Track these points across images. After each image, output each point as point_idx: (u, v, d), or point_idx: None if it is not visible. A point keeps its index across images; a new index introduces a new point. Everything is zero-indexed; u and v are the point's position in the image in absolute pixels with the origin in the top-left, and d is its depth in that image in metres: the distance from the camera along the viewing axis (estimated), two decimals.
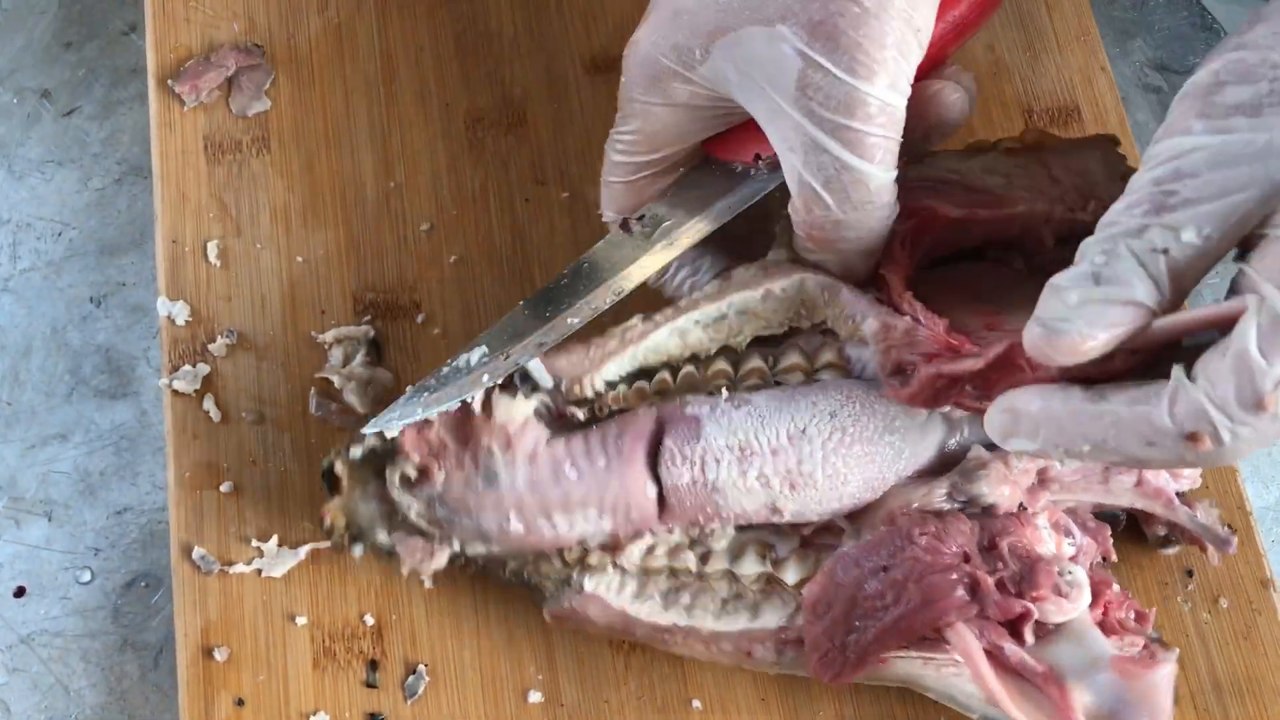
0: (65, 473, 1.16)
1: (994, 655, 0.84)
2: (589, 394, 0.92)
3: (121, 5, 1.29)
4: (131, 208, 1.23)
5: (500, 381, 0.92)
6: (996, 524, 0.88)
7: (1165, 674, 0.82)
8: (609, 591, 0.92)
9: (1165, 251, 0.70)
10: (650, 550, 0.93)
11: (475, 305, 1.06)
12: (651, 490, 0.89)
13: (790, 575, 0.91)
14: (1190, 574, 0.99)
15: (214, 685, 0.98)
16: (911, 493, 0.89)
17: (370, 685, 0.98)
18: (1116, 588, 0.91)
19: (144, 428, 1.17)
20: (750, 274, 0.93)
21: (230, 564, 1.00)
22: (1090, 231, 0.75)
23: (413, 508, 0.91)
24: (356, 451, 0.92)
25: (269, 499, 1.02)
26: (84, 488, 1.16)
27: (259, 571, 1.00)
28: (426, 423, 0.90)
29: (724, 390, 0.91)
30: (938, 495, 0.89)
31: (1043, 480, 0.90)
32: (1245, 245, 0.71)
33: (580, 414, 0.92)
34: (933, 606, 0.85)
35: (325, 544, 1.00)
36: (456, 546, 0.92)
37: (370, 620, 0.99)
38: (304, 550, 1.00)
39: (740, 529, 0.92)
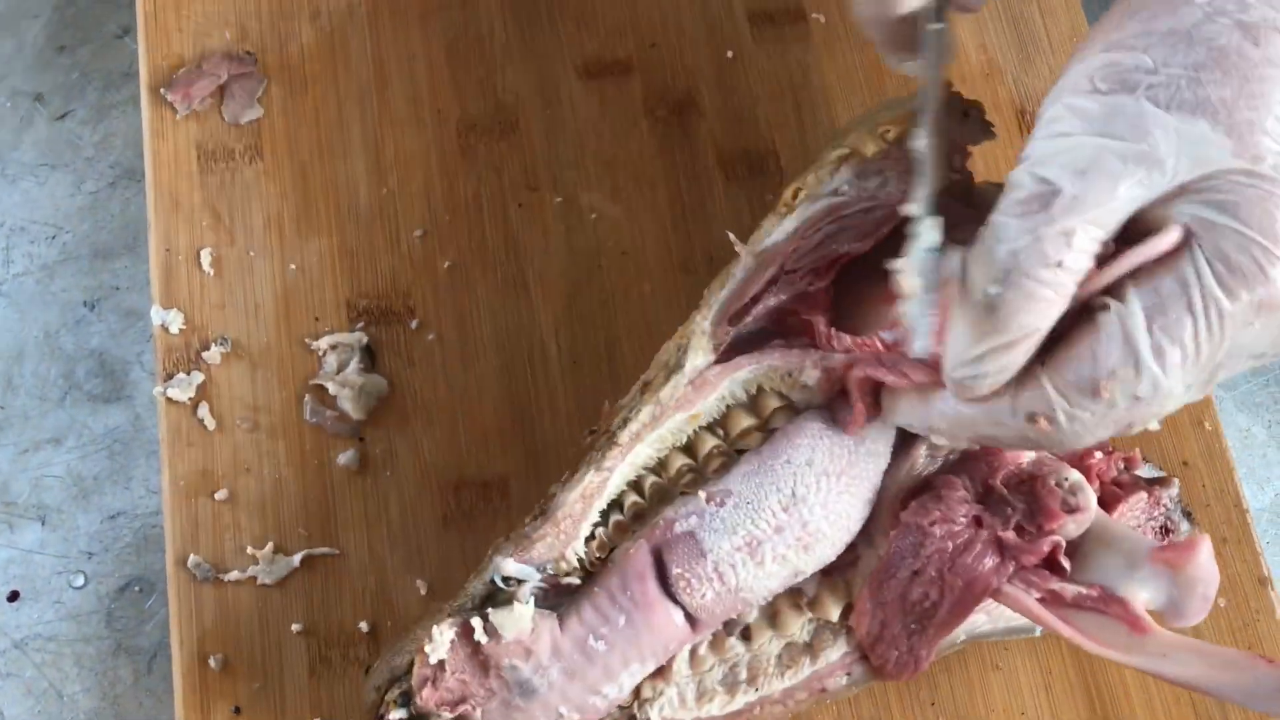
0: (58, 477, 1.16)
1: (1050, 600, 0.85)
2: (574, 563, 0.90)
3: (115, 9, 1.29)
4: (125, 212, 1.23)
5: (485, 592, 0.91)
6: (981, 465, 0.89)
7: (1202, 552, 0.82)
8: (675, 710, 0.91)
9: (1059, 264, 0.71)
10: (693, 655, 0.92)
11: (469, 311, 1.06)
12: (679, 616, 0.87)
13: (833, 612, 0.91)
14: None
15: (211, 693, 0.98)
16: (897, 475, 0.90)
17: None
18: (1098, 455, 0.92)
19: (137, 432, 1.18)
20: (678, 391, 0.90)
21: (226, 572, 1.00)
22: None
23: None
24: None
25: (264, 506, 1.02)
26: (77, 492, 1.16)
27: (255, 579, 1.00)
28: (439, 669, 0.86)
29: (699, 493, 0.89)
30: (920, 463, 0.90)
31: None
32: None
33: (576, 580, 0.90)
34: (974, 585, 0.86)
35: (320, 550, 1.01)
36: None
37: (365, 627, 0.99)
38: (299, 557, 1.00)
39: None
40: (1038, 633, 0.94)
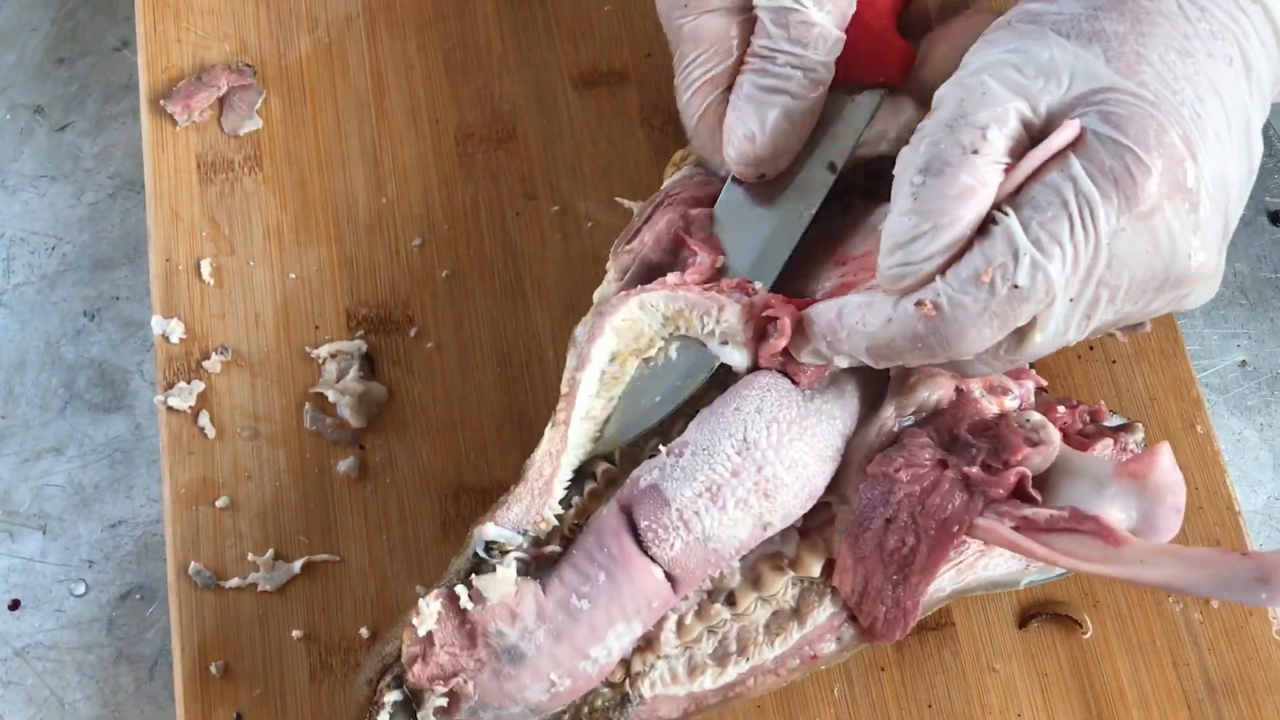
0: (59, 486, 1.17)
1: (1024, 526, 0.86)
2: (553, 521, 0.92)
3: (113, 22, 1.30)
4: (125, 222, 1.23)
5: (469, 566, 0.92)
6: (946, 418, 0.91)
7: (1164, 458, 0.85)
8: (667, 685, 0.92)
9: (975, 151, 0.79)
10: (680, 625, 0.92)
11: (467, 318, 1.06)
12: (658, 572, 0.88)
13: (814, 567, 0.93)
14: None
15: (212, 700, 0.99)
16: (867, 436, 0.91)
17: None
18: (1061, 409, 0.95)
19: (138, 440, 1.18)
20: (589, 324, 0.96)
21: (226, 579, 1.01)
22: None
23: None
24: (384, 717, 0.89)
25: (264, 514, 1.03)
26: (78, 501, 1.17)
27: (255, 586, 1.00)
28: (428, 644, 0.87)
29: (660, 448, 0.91)
30: (889, 423, 0.91)
31: None
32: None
33: (557, 547, 0.91)
34: (947, 523, 0.88)
35: (320, 557, 1.01)
36: None
37: (366, 633, 1.00)
38: (299, 564, 1.01)
39: (743, 558, 0.93)
40: (1022, 584, 0.96)
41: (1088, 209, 0.78)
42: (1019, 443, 0.87)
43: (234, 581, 1.01)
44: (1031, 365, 0.97)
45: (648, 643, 0.92)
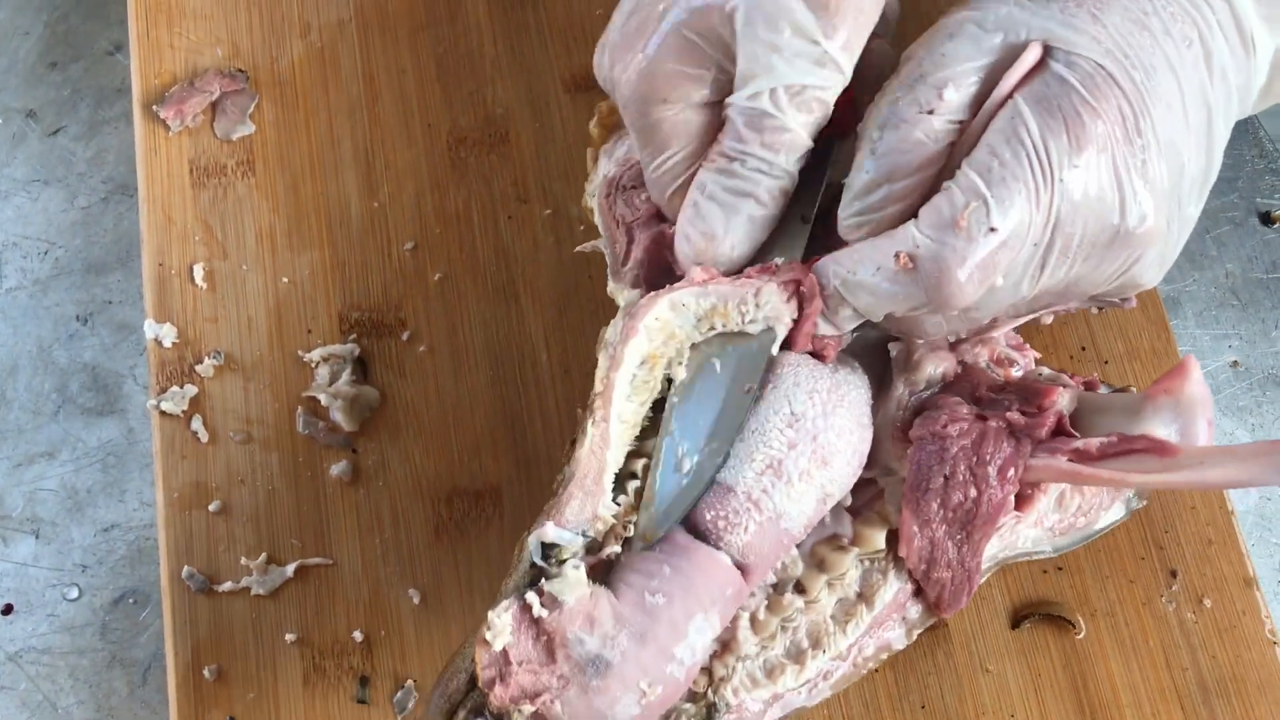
0: (52, 490, 1.17)
1: (1078, 457, 0.88)
2: (609, 520, 0.87)
3: (106, 25, 1.30)
4: (118, 226, 1.24)
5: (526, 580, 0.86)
6: (962, 386, 0.94)
7: (1194, 370, 0.89)
8: (750, 691, 0.90)
9: (930, 112, 0.83)
10: (754, 621, 0.91)
11: (460, 322, 1.07)
12: (724, 559, 0.86)
13: (878, 540, 0.94)
14: (1174, 574, 1.02)
15: (205, 704, 0.99)
16: (888, 412, 0.93)
17: (361, 701, 1.00)
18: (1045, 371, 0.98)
19: (131, 445, 1.19)
20: (619, 326, 0.95)
21: (220, 583, 1.01)
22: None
23: None
24: None
25: (258, 518, 1.03)
26: (71, 505, 1.17)
27: (249, 590, 1.01)
28: (504, 663, 0.81)
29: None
30: (904, 397, 0.94)
31: (955, 343, 0.98)
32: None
33: (617, 548, 0.87)
34: (1004, 469, 0.90)
35: (313, 560, 1.02)
36: None
37: (359, 636, 1.00)
38: (292, 567, 1.01)
39: (801, 546, 0.93)
40: (1049, 550, 0.97)
41: (1041, 145, 0.81)
42: (1045, 385, 0.90)
43: (227, 585, 1.01)
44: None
45: (724, 646, 0.91)
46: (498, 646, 0.80)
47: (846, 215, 0.86)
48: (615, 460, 0.90)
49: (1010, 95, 0.83)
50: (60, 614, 1.14)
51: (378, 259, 1.06)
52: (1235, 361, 1.17)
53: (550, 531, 0.86)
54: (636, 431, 0.93)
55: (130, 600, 1.14)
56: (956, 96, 0.84)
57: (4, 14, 1.31)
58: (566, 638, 0.81)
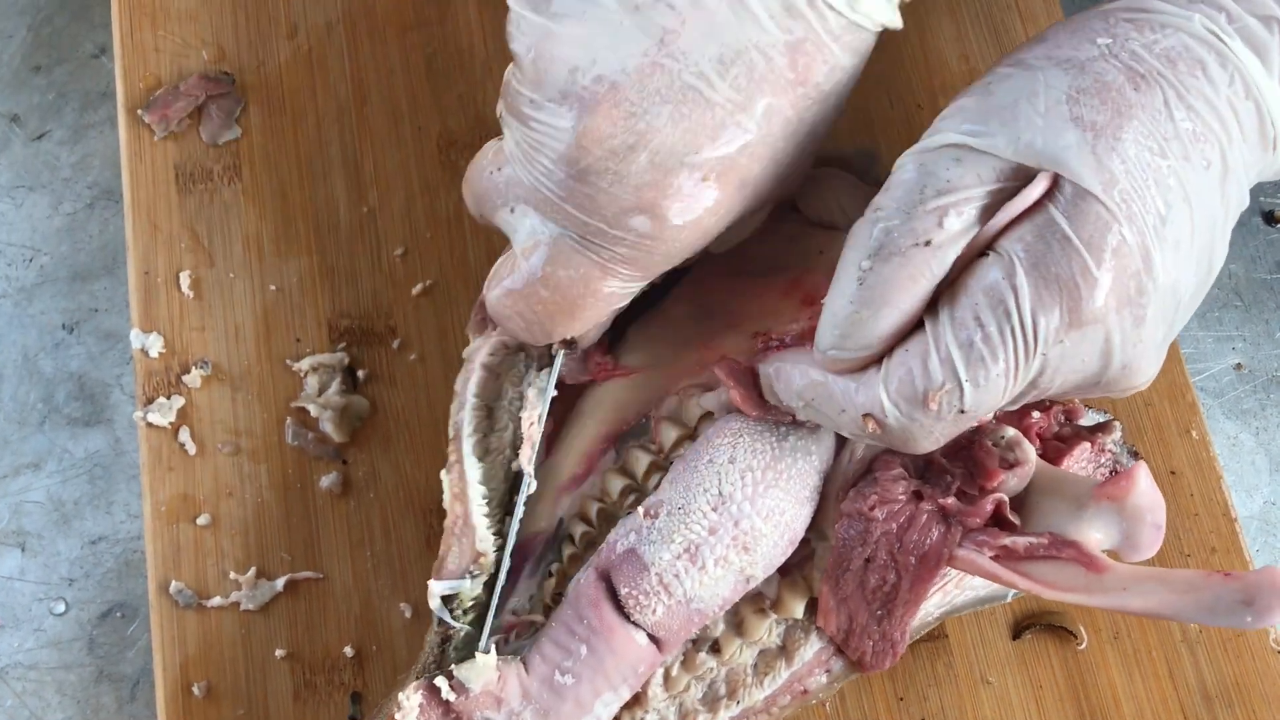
0: (38, 502, 1.17)
1: (1004, 556, 0.87)
2: (491, 554, 0.96)
3: (91, 28, 1.29)
4: (103, 233, 1.23)
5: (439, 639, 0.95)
6: None
7: (1141, 479, 0.85)
8: None
9: (927, 243, 0.79)
10: (666, 678, 0.93)
11: (451, 329, 1.07)
12: (641, 637, 0.88)
13: (796, 609, 0.93)
14: None
15: None
16: (841, 465, 0.92)
17: (353, 717, 1.00)
18: (1036, 414, 0.95)
19: (118, 455, 1.18)
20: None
21: (208, 598, 1.01)
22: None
23: None
24: None
25: (246, 531, 1.03)
26: (58, 517, 1.17)
27: (238, 605, 1.01)
28: None
29: (638, 509, 0.91)
30: (860, 449, 0.92)
31: None
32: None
33: (540, 617, 0.93)
34: (926, 558, 0.88)
35: (303, 574, 1.02)
36: None
37: (351, 652, 1.00)
38: (281, 581, 1.01)
39: None
40: (1009, 597, 0.97)
41: (1030, 320, 0.79)
42: (994, 467, 0.87)
43: (216, 600, 1.01)
44: None
45: (636, 698, 0.93)
46: None
47: (826, 346, 0.83)
48: (479, 496, 0.95)
49: (1009, 227, 0.80)
50: (47, 628, 1.13)
51: (367, 265, 1.05)
52: (1239, 364, 1.18)
53: (436, 588, 0.93)
54: (503, 459, 0.99)
55: (118, 614, 1.13)
56: (958, 225, 0.80)
57: None
58: (473, 718, 0.88)
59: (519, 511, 0.94)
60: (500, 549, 0.93)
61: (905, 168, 0.82)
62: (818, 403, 0.86)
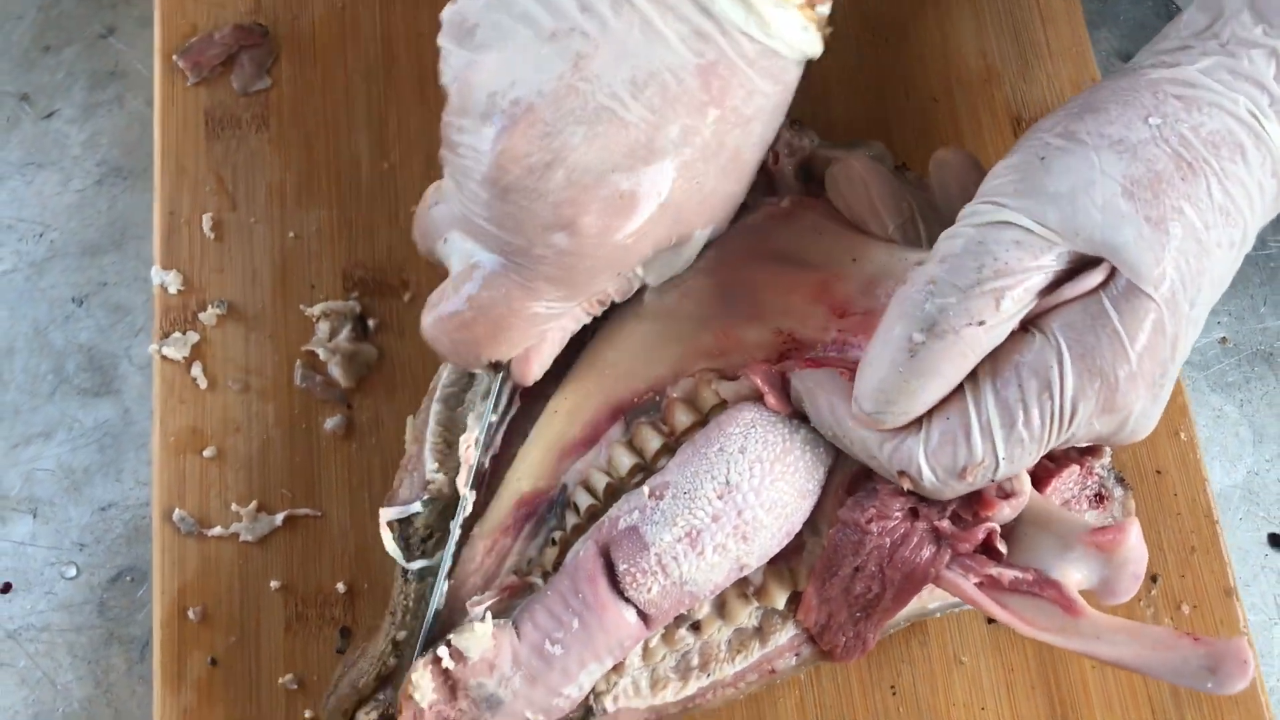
0: (49, 470, 1.31)
1: (988, 584, 0.97)
2: (440, 482, 1.03)
3: (99, 9, 1.57)
4: (112, 208, 1.47)
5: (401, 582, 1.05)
6: None
7: (1134, 535, 0.94)
8: (630, 699, 1.03)
9: (981, 323, 0.86)
10: (645, 648, 1.05)
11: None
12: (630, 614, 0.99)
13: (779, 600, 1.04)
14: (1155, 580, 1.13)
15: (188, 644, 1.13)
16: (843, 461, 1.02)
17: (341, 651, 1.12)
18: (1073, 470, 1.04)
19: (127, 425, 1.33)
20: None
21: (209, 527, 1.16)
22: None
23: None
24: None
25: (250, 466, 1.19)
26: (68, 485, 1.30)
27: (237, 536, 1.16)
28: (423, 711, 0.98)
29: (643, 487, 1.00)
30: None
31: None
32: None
33: (539, 580, 1.02)
34: (913, 575, 0.98)
35: (302, 511, 1.15)
36: None
37: (343, 588, 1.15)
38: (281, 516, 1.17)
39: None
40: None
41: (1070, 405, 0.87)
42: (991, 496, 0.97)
43: (216, 530, 1.17)
44: None
45: (613, 667, 1.06)
46: (424, 704, 0.94)
47: (869, 406, 0.92)
48: (431, 436, 1.04)
49: (1058, 307, 0.89)
50: (58, 592, 1.27)
51: (384, 220, 1.23)
52: (1224, 338, 1.41)
53: (387, 514, 1.02)
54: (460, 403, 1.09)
55: (128, 578, 1.28)
56: (1012, 308, 0.88)
57: None
58: (468, 684, 0.96)
59: (455, 534, 1.04)
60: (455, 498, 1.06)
61: (960, 238, 0.91)
62: (846, 442, 0.97)
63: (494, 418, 1.07)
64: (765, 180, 1.14)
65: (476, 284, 0.98)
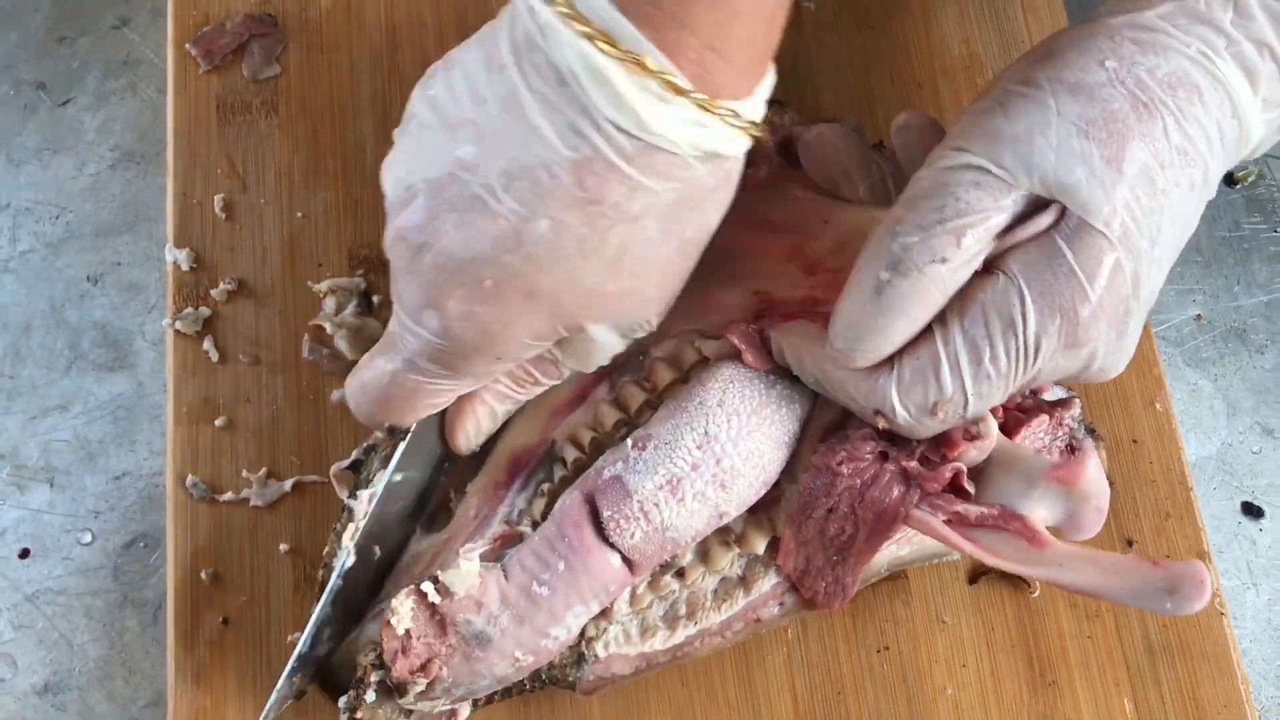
0: (66, 441, 1.36)
1: (956, 521, 1.01)
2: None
3: (112, 1, 1.54)
4: (125, 191, 1.48)
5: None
6: None
7: (1091, 466, 0.98)
8: (620, 646, 1.07)
9: (944, 261, 0.89)
10: (632, 595, 1.10)
11: None
12: (615, 559, 1.02)
13: (759, 546, 1.09)
14: (1131, 544, 1.18)
15: (200, 605, 1.17)
16: (818, 415, 1.06)
17: None
18: (1043, 420, 1.06)
19: (141, 398, 1.38)
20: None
21: (221, 492, 1.20)
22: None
23: (436, 703, 1.03)
24: (370, 695, 1.01)
25: (260, 435, 1.22)
26: (84, 455, 1.35)
27: (248, 501, 1.20)
28: (407, 639, 0.99)
29: (626, 440, 1.04)
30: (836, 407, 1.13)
31: None
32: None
33: (528, 529, 1.06)
34: (884, 515, 1.01)
35: (310, 478, 1.19)
36: (475, 697, 1.08)
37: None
38: (290, 482, 1.21)
39: None
40: (954, 556, 1.14)
41: (1034, 339, 0.90)
42: (957, 437, 1.01)
43: (228, 495, 1.20)
44: None
45: (602, 611, 1.08)
46: (400, 630, 0.98)
47: (840, 343, 0.96)
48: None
49: (1015, 247, 0.91)
50: (75, 557, 1.31)
51: None
52: (1199, 315, 1.49)
53: (336, 467, 1.08)
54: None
55: (141, 544, 1.32)
56: (974, 245, 0.91)
57: None
58: (456, 619, 0.99)
59: (334, 582, 1.05)
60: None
61: (923, 180, 0.95)
62: (828, 386, 1.01)
63: (397, 477, 1.05)
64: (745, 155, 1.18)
65: (379, 354, 1.00)
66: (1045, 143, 0.90)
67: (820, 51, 1.31)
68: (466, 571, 1.01)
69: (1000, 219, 0.91)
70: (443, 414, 1.08)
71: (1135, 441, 1.20)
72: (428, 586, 1.03)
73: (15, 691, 1.26)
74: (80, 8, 1.51)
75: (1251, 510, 1.32)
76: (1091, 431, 1.12)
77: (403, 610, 1.01)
